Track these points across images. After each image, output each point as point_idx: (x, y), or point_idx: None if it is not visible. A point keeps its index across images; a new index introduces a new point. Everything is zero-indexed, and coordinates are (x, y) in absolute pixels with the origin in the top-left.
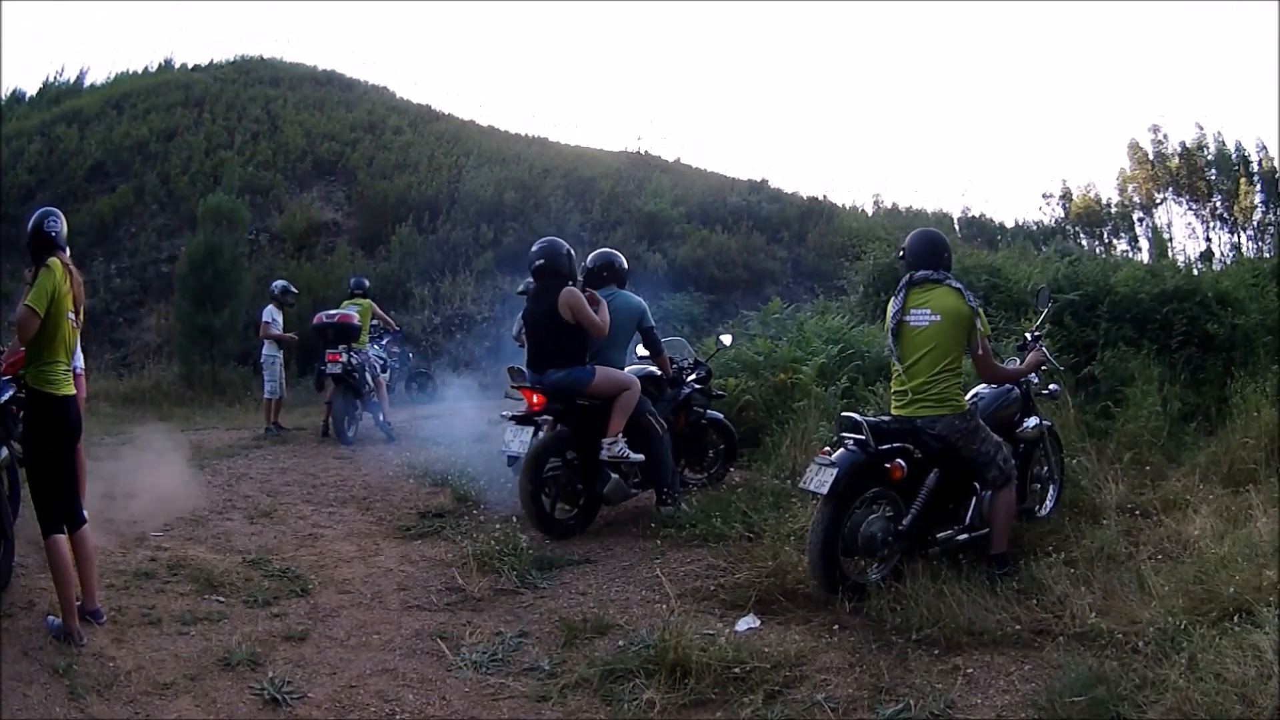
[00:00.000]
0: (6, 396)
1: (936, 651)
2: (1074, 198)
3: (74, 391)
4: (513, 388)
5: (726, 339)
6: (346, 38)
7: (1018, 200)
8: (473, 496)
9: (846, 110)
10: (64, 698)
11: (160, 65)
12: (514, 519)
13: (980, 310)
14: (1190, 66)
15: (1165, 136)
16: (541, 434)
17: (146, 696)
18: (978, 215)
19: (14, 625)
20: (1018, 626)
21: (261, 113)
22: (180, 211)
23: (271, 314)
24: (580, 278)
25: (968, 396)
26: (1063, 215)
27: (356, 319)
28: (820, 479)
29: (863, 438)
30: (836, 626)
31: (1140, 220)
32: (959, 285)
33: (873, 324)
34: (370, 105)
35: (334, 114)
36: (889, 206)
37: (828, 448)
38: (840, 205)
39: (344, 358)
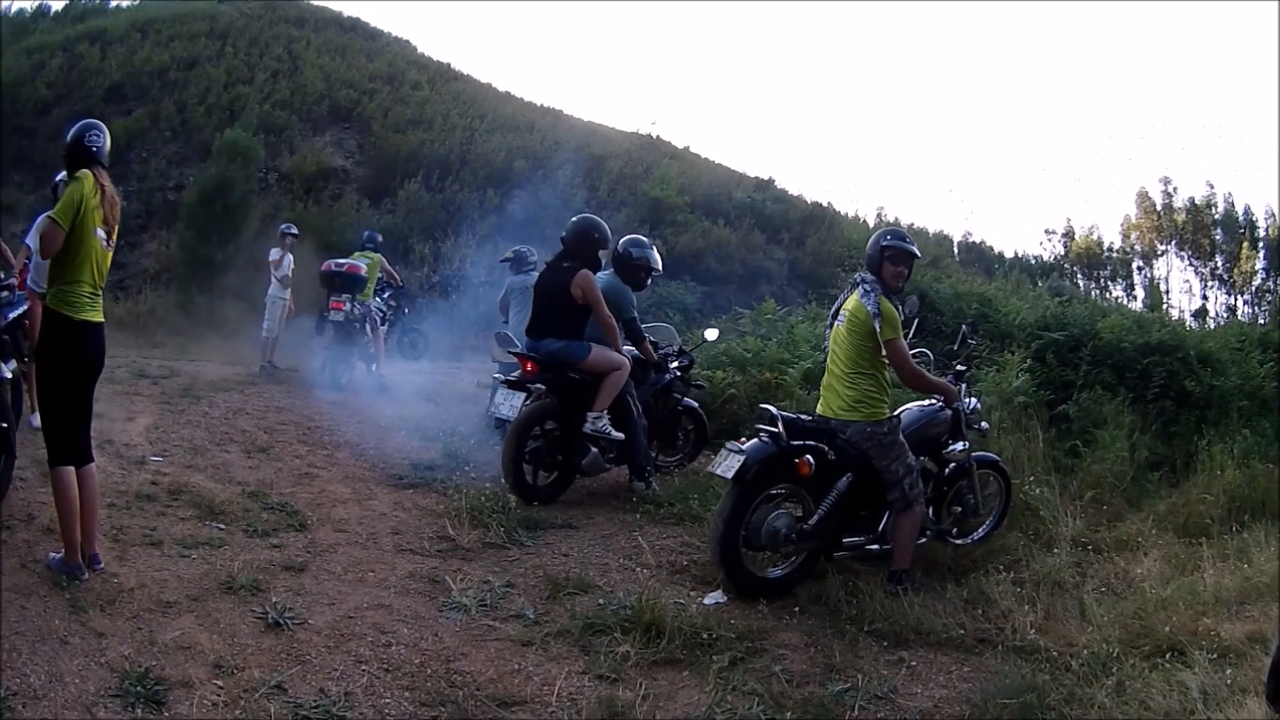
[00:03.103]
0: (20, 312)
1: (885, 643)
2: (1076, 237)
3: (98, 318)
4: (507, 352)
5: (712, 334)
6: None
7: (1020, 232)
8: (462, 454)
9: (863, 121)
10: (64, 610)
11: None
12: (502, 479)
13: (881, 311)
14: (1210, 129)
15: (1175, 190)
16: (530, 400)
17: (150, 613)
18: (978, 241)
19: (13, 538)
20: (962, 632)
21: (284, 52)
22: (193, 141)
23: (280, 253)
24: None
25: (896, 412)
26: (1063, 253)
27: (364, 271)
28: (728, 464)
29: (777, 430)
30: (797, 609)
31: (1139, 269)
32: (869, 286)
33: None
34: (391, 57)
35: (354, 62)
36: (891, 220)
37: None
38: (843, 214)
39: (347, 307)
